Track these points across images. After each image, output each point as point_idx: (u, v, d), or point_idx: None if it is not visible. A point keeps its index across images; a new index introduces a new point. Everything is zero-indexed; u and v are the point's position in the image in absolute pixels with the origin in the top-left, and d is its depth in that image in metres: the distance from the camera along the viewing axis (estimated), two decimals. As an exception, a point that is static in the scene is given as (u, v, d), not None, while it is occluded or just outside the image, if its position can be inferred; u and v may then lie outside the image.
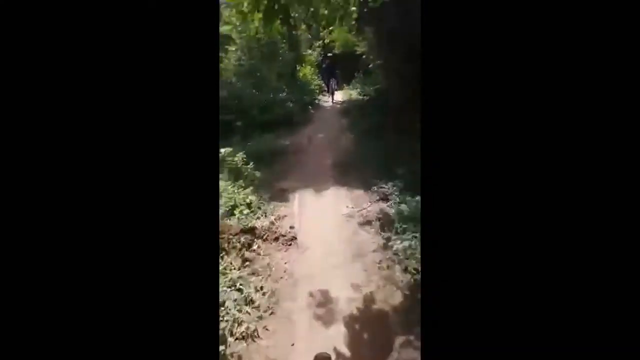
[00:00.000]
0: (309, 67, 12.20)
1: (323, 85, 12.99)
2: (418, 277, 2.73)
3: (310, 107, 9.02)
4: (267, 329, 2.38)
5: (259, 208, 3.84)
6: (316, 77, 12.38)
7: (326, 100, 10.90)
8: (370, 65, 13.11)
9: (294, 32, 10.95)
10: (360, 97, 10.09)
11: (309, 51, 13.32)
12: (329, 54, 14.42)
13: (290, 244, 3.29)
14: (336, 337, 2.30)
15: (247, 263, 3.03)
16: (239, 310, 2.47)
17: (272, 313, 2.53)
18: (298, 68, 11.51)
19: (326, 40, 13.39)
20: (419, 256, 2.85)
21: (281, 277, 2.88)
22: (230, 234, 3.30)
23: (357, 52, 13.90)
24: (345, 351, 2.22)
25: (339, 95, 11.53)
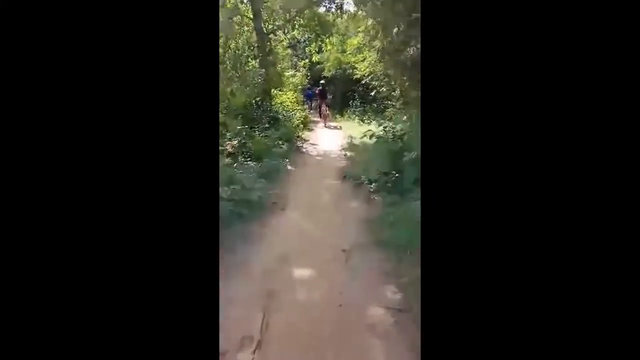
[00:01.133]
0: (291, 92, 8.14)
1: (309, 112, 9.33)
2: None
3: (286, 161, 4.81)
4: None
5: None
6: (299, 107, 8.31)
7: (314, 144, 6.78)
8: (373, 93, 9.29)
9: (268, 43, 6.92)
10: (368, 140, 6.08)
11: (291, 72, 9.30)
12: (322, 79, 10.60)
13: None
14: None
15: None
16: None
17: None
18: (274, 92, 7.42)
19: (314, 59, 9.49)
20: None
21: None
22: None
23: (355, 76, 10.20)
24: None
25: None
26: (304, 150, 6.12)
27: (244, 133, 4.38)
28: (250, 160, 3.87)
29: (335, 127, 9.21)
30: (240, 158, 3.86)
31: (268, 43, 6.72)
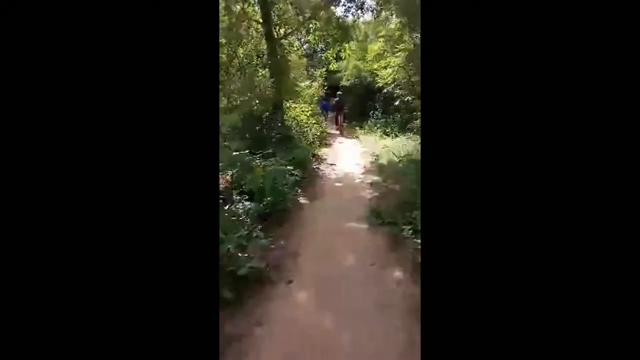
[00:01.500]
0: (306, 104, 7.12)
1: (325, 123, 8.72)
2: None
3: (297, 191, 3.73)
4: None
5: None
6: (314, 120, 7.26)
7: (332, 164, 5.68)
8: (397, 102, 8.17)
9: (278, 48, 5.93)
10: (395, 158, 4.92)
11: (307, 82, 8.30)
12: (339, 88, 9.86)
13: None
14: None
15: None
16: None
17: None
18: (286, 104, 6.42)
19: (331, 67, 8.44)
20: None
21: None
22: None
23: (377, 85, 9.11)
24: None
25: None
26: (320, 173, 5.03)
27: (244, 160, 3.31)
28: (248, 200, 2.80)
29: (353, 137, 8.58)
30: (235, 197, 2.81)
31: (279, 49, 5.74)
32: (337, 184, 4.46)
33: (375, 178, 4.51)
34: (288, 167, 3.90)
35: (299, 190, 3.82)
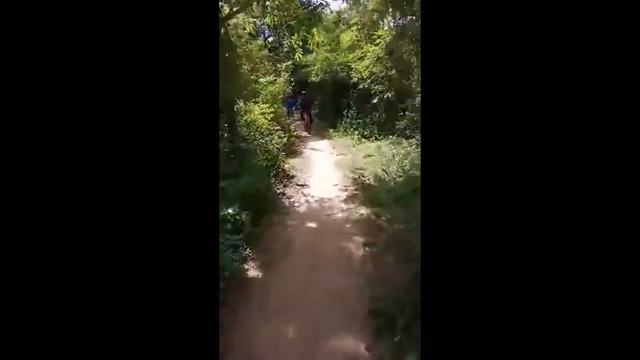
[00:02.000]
0: (266, 105, 5.52)
1: (292, 125, 7.63)
2: None
3: (243, 253, 2.15)
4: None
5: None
6: (277, 126, 5.69)
7: (303, 184, 4.14)
8: (375, 101, 6.81)
9: (223, 32, 4.28)
10: (385, 175, 3.53)
11: (268, 77, 6.67)
12: (308, 85, 8.42)
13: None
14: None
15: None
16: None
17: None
18: (240, 104, 4.82)
19: (296, 57, 6.86)
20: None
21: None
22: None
23: (352, 80, 7.67)
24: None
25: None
26: (286, 203, 3.50)
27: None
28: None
29: (324, 139, 7.45)
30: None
31: (223, 31, 4.11)
32: (309, 225, 2.94)
33: (364, 211, 3.08)
34: (229, 211, 2.35)
35: (247, 250, 2.29)
